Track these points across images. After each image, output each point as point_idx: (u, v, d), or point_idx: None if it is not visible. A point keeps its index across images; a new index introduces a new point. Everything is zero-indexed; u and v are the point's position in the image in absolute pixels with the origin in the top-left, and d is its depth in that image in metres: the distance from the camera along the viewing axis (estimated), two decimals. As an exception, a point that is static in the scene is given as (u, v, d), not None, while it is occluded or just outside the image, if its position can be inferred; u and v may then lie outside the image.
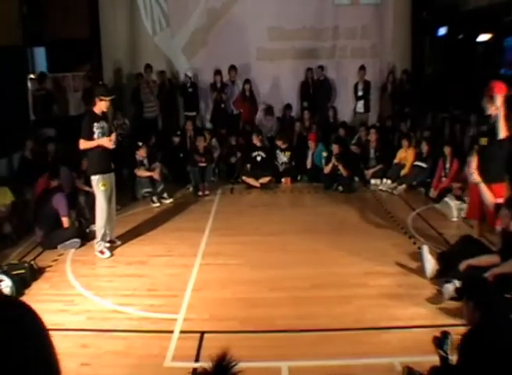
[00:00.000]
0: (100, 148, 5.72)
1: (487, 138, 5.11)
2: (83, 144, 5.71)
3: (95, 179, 5.75)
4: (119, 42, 11.32)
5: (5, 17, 8.82)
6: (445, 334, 3.02)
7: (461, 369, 2.59)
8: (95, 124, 5.70)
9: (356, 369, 3.62)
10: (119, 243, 6.22)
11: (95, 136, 5.71)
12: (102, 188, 5.73)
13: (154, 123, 10.64)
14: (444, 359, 2.92)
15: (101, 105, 5.74)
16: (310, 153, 9.35)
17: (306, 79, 11.10)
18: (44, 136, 9.27)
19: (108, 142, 5.71)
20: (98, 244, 5.88)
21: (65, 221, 6.15)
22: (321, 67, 10.99)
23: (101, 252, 5.86)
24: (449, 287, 4.37)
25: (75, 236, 6.18)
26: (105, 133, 5.78)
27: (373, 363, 3.66)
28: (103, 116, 5.84)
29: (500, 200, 4.84)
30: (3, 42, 8.52)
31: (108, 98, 5.76)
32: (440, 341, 3.01)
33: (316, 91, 11.07)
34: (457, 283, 4.44)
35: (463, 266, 4.47)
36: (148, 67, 10.57)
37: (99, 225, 5.84)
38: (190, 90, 10.87)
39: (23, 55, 9.80)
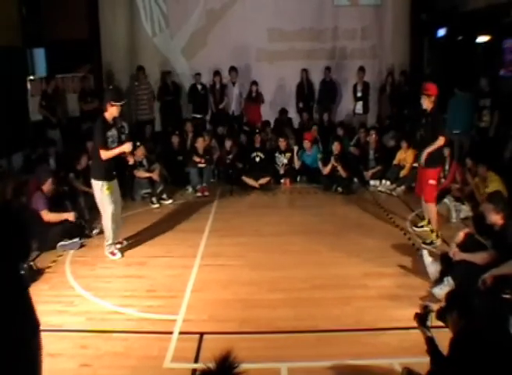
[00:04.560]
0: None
1: (423, 129, 6.14)
2: (106, 155, 5.58)
3: (99, 184, 5.70)
4: (118, 43, 11.33)
5: (4, 18, 8.84)
6: (426, 310, 3.06)
7: (452, 370, 2.65)
8: (107, 133, 5.61)
9: (355, 370, 3.62)
10: (125, 243, 6.23)
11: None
12: (107, 192, 5.71)
13: (150, 126, 10.55)
14: (429, 340, 2.97)
15: (112, 111, 5.61)
16: (295, 153, 9.34)
17: (301, 80, 11.11)
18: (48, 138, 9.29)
19: (129, 148, 5.69)
20: (109, 246, 5.89)
21: (44, 215, 6.10)
22: (328, 68, 11.00)
23: (112, 254, 5.88)
24: (438, 292, 4.55)
25: (66, 230, 6.16)
26: (115, 142, 5.72)
27: (372, 364, 3.67)
28: (113, 123, 5.74)
29: (433, 182, 6.00)
30: (3, 43, 8.54)
31: (119, 103, 5.63)
32: (422, 318, 3.05)
33: (311, 91, 11.13)
34: (450, 280, 4.52)
35: (456, 258, 4.61)
36: (140, 69, 10.54)
37: (107, 228, 5.84)
38: (202, 92, 10.82)
39: (22, 56, 9.81)
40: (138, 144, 8.28)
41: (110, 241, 5.89)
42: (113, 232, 5.86)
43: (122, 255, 5.92)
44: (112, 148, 5.65)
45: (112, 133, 5.70)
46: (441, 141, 5.87)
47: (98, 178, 5.71)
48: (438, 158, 6.14)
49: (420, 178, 6.27)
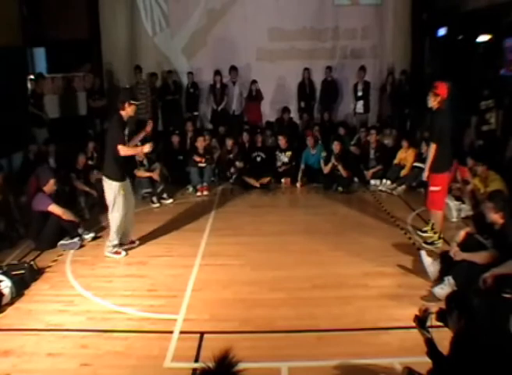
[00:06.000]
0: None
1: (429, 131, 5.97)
2: (125, 151, 5.62)
3: (115, 185, 5.72)
4: (118, 43, 11.35)
5: (5, 18, 8.83)
6: (426, 312, 3.07)
7: (453, 370, 2.66)
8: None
9: (356, 369, 3.62)
10: (137, 243, 6.26)
11: None
12: (122, 193, 5.75)
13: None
14: (429, 342, 2.97)
15: (129, 110, 5.65)
16: (303, 155, 9.26)
17: (303, 79, 11.12)
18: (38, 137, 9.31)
19: (149, 149, 5.78)
20: (112, 247, 5.89)
21: (54, 209, 6.10)
22: (329, 68, 11.01)
23: (117, 253, 5.89)
24: (439, 291, 4.54)
25: (62, 228, 6.17)
26: (127, 141, 5.78)
27: (373, 364, 3.66)
28: (127, 122, 5.79)
29: (435, 188, 5.78)
30: (3, 43, 8.53)
31: (137, 103, 5.75)
32: (421, 320, 3.05)
33: (312, 90, 11.15)
34: (451, 279, 4.51)
35: (457, 257, 4.60)
36: (137, 68, 10.59)
37: (114, 228, 5.84)
38: (191, 90, 10.91)
39: (22, 56, 9.80)
40: (139, 143, 8.27)
41: (115, 242, 5.89)
42: (119, 233, 5.88)
43: (127, 254, 5.94)
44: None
45: (125, 132, 5.74)
46: (432, 149, 5.67)
47: (112, 178, 5.72)
48: (442, 162, 5.73)
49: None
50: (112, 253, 5.89)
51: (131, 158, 5.83)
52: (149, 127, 6.24)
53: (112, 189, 5.73)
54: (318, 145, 9.33)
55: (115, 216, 5.81)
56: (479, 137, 8.67)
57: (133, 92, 6.03)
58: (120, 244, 6.02)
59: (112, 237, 5.90)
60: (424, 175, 5.91)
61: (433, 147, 5.69)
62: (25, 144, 8.55)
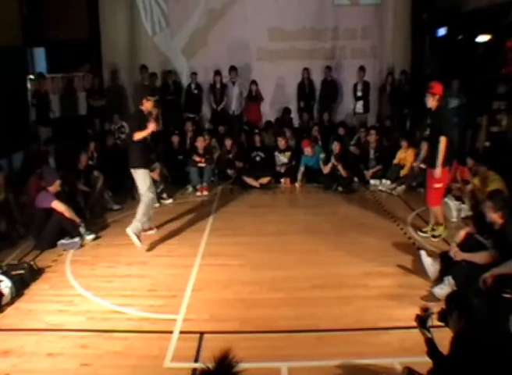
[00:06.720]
0: (144, 142, 6.06)
1: (430, 129, 6.08)
2: (137, 136, 5.92)
3: (144, 172, 6.08)
4: (118, 43, 11.36)
5: (5, 18, 8.83)
6: (427, 312, 3.07)
7: (453, 369, 2.66)
8: (144, 123, 5.99)
9: (356, 369, 3.61)
10: (155, 230, 6.62)
11: None
12: (148, 179, 6.13)
13: None
14: (429, 341, 2.98)
15: (147, 105, 6.10)
16: (302, 158, 9.21)
17: (302, 79, 11.12)
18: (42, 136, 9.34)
19: (153, 127, 6.03)
20: (136, 226, 6.03)
21: (57, 206, 6.13)
22: (328, 68, 11.02)
23: (139, 238, 6.02)
24: (439, 291, 4.52)
25: (63, 227, 6.18)
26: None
27: (373, 364, 3.66)
28: (147, 115, 6.12)
29: (438, 185, 5.87)
30: (3, 43, 8.53)
31: (153, 98, 6.24)
32: (422, 320, 3.05)
33: (312, 90, 11.16)
34: (451, 279, 4.50)
35: (457, 258, 4.61)
36: (143, 68, 10.61)
37: (145, 206, 6.11)
38: (195, 91, 10.90)
39: (22, 56, 9.81)
40: None
41: (144, 219, 6.12)
42: (148, 213, 6.20)
43: (148, 249, 6.05)
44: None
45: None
46: (443, 141, 5.73)
47: (139, 166, 6.06)
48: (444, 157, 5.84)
49: (427, 180, 6.12)
50: (135, 234, 5.98)
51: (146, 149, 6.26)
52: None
53: (144, 177, 6.08)
54: (316, 147, 9.32)
55: (149, 195, 6.13)
56: (488, 138, 8.64)
57: (151, 89, 6.45)
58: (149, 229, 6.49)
59: (140, 216, 6.08)
60: (437, 172, 5.79)
61: (443, 140, 5.74)
62: (25, 144, 8.56)
